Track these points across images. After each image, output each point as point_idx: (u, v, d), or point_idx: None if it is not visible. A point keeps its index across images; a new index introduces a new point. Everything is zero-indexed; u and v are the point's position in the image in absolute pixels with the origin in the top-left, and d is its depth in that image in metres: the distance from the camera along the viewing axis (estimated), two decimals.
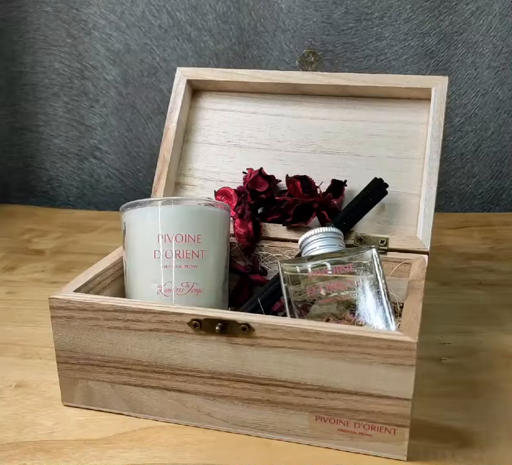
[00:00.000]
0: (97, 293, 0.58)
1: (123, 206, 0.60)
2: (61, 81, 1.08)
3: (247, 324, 0.49)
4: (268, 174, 0.68)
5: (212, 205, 0.61)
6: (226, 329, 0.50)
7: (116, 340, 0.53)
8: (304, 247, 0.58)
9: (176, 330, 0.51)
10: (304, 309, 0.55)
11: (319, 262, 0.55)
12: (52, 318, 0.54)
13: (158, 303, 0.52)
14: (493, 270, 0.83)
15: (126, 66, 1.06)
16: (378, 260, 0.55)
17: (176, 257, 0.57)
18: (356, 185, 0.67)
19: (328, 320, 0.54)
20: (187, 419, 0.54)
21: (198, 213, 0.59)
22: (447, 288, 0.78)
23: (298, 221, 0.64)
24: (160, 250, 0.57)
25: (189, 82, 0.73)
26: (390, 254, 0.63)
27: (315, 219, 0.66)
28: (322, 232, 0.58)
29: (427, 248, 0.62)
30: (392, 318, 0.53)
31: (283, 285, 0.54)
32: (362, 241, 0.64)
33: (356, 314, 0.54)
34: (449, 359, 0.63)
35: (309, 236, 0.58)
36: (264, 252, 0.65)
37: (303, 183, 0.65)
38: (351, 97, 0.70)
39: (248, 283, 0.64)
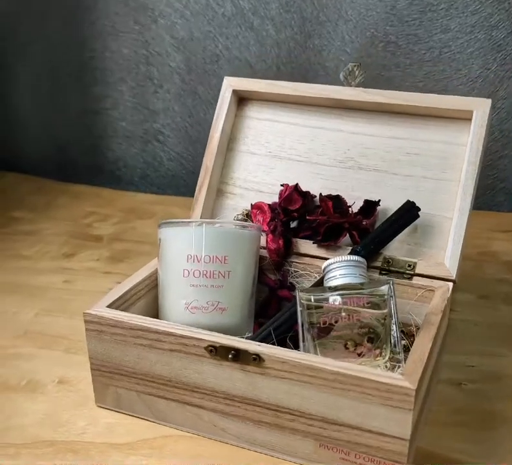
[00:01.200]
0: (132, 304, 0.62)
1: (161, 222, 0.63)
2: (128, 67, 1.10)
3: (257, 355, 0.52)
4: (305, 187, 0.69)
5: (244, 227, 0.63)
6: (239, 356, 0.52)
7: (141, 355, 0.57)
8: (326, 273, 0.59)
9: (195, 353, 0.54)
10: (322, 332, 0.56)
11: (335, 293, 0.56)
12: (86, 330, 0.58)
13: (180, 327, 0.55)
14: None
15: (189, 54, 1.06)
16: (393, 294, 0.55)
17: (203, 277, 0.59)
18: (390, 204, 0.67)
19: (346, 345, 0.56)
20: (204, 431, 0.57)
21: (226, 235, 0.61)
22: (485, 302, 0.77)
23: (328, 240, 0.65)
24: (189, 269, 0.59)
25: (234, 91, 0.73)
26: (415, 279, 0.63)
27: (345, 238, 0.66)
28: (345, 261, 0.58)
29: (453, 276, 0.62)
30: (401, 356, 0.54)
31: (299, 309, 0.56)
32: (390, 264, 0.64)
33: (373, 343, 0.55)
34: (470, 384, 0.63)
35: (332, 263, 0.58)
36: (293, 269, 0.67)
37: (335, 202, 0.66)
38: (393, 114, 0.68)
39: (276, 298, 0.66)
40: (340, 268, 0.58)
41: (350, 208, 0.66)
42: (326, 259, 0.65)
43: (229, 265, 0.60)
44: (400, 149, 0.68)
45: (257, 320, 0.65)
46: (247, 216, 0.70)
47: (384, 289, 0.55)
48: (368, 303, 0.55)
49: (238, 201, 0.73)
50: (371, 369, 0.50)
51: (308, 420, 0.52)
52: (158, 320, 0.57)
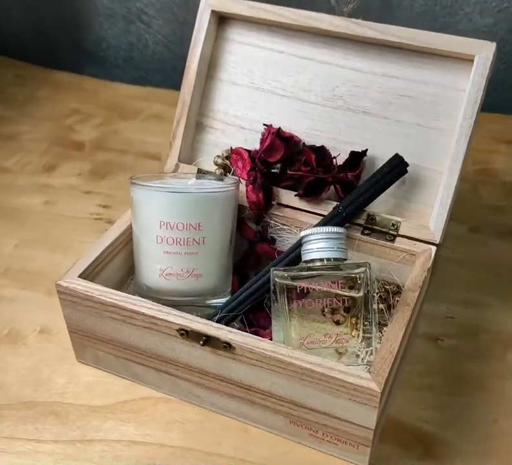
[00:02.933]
0: (107, 263, 0.59)
1: (132, 179, 0.58)
2: None
3: (228, 343, 0.50)
4: (288, 127, 0.63)
5: (220, 180, 0.59)
6: (210, 342, 0.51)
7: (116, 328, 0.56)
8: (303, 244, 0.55)
9: (167, 333, 0.53)
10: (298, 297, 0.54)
11: (312, 273, 0.53)
12: (59, 299, 0.56)
13: (150, 305, 0.53)
14: None
15: None
16: (369, 278, 0.52)
17: (176, 244, 0.56)
18: (377, 152, 0.61)
19: (323, 311, 0.54)
20: (181, 395, 0.58)
21: (199, 201, 0.56)
22: (475, 236, 0.74)
23: (310, 194, 0.60)
24: (162, 236, 0.56)
25: (214, 12, 0.63)
26: (398, 240, 0.59)
27: (330, 190, 0.61)
28: (323, 233, 0.54)
29: (437, 240, 0.58)
30: (374, 342, 0.52)
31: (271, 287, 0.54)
32: (374, 222, 0.60)
33: (349, 312, 0.53)
34: (447, 340, 0.63)
35: (309, 235, 0.54)
36: (274, 221, 0.63)
37: (318, 155, 0.59)
38: (386, 47, 0.59)
39: (255, 251, 0.63)
40: (317, 241, 0.54)
41: (334, 160, 0.61)
42: (308, 212, 0.62)
43: (204, 231, 0.56)
44: (392, 90, 0.60)
45: (236, 273, 0.63)
46: (227, 159, 0.64)
47: (361, 271, 0.53)
48: (343, 284, 0.53)
49: (219, 137, 0.66)
50: (340, 366, 0.48)
51: (277, 400, 0.52)
52: (128, 296, 0.54)
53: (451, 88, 0.58)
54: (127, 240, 0.61)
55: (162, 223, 0.56)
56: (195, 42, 0.64)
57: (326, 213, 0.60)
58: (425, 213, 0.60)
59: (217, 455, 0.53)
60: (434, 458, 0.53)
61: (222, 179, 0.62)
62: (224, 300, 0.59)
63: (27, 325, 0.65)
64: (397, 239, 0.59)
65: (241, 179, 0.63)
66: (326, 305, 0.53)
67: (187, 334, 0.52)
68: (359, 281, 0.52)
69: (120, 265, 0.61)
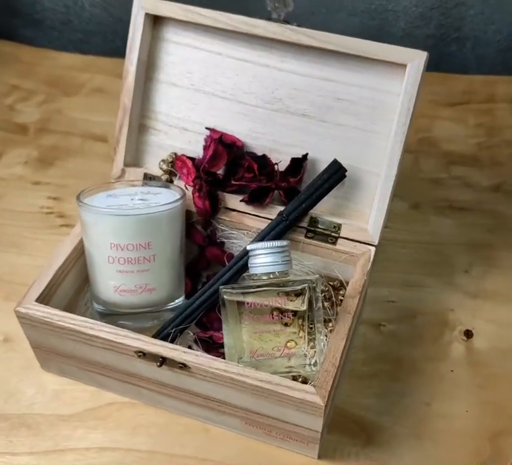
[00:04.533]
0: (61, 282, 0.59)
1: (80, 199, 0.57)
2: None
3: (183, 363, 0.53)
4: (230, 128, 0.62)
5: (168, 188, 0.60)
6: (166, 362, 0.53)
7: (77, 347, 0.57)
8: (250, 258, 0.56)
9: (125, 354, 0.55)
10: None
11: (260, 290, 0.54)
12: (19, 322, 0.57)
13: (107, 329, 0.54)
14: (470, 185, 0.78)
15: None
16: (316, 294, 0.54)
17: (128, 263, 0.57)
18: (317, 155, 0.61)
19: (272, 313, 0.56)
20: (144, 400, 0.60)
21: (148, 222, 0.56)
22: (415, 213, 0.75)
23: (254, 201, 0.60)
24: (113, 256, 0.56)
25: (148, 14, 0.59)
26: (340, 241, 0.60)
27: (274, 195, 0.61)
28: (268, 248, 0.55)
29: (375, 242, 0.60)
30: (319, 344, 0.55)
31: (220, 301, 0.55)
32: (316, 224, 0.61)
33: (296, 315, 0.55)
34: (388, 325, 0.66)
35: (254, 250, 0.55)
36: (222, 226, 0.63)
37: (260, 164, 0.59)
38: (325, 51, 0.57)
39: (205, 256, 0.63)
40: (263, 255, 0.55)
41: (276, 167, 0.60)
42: (255, 216, 0.63)
43: (153, 248, 0.57)
44: (331, 93, 0.59)
45: (188, 275, 0.63)
46: (172, 164, 0.63)
47: (304, 286, 0.54)
48: (290, 296, 0.55)
49: (163, 139, 0.65)
50: (287, 382, 0.51)
51: (233, 408, 0.55)
52: (87, 320, 0.55)
53: (387, 93, 0.58)
54: (78, 255, 0.61)
55: (112, 244, 0.56)
56: (131, 47, 0.61)
57: (271, 216, 0.61)
58: (364, 213, 0.61)
59: (181, 456, 0.57)
60: (375, 444, 0.57)
61: (167, 186, 0.62)
62: (179, 303, 0.61)
63: None
64: (339, 240, 0.61)
65: (187, 186, 0.62)
66: (274, 315, 0.55)
67: (144, 355, 0.54)
68: (303, 296, 0.54)
69: (74, 280, 0.61)
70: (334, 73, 0.58)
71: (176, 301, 0.61)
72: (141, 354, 0.53)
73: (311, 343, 0.55)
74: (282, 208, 0.61)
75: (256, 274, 0.56)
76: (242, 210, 0.63)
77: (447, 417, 0.59)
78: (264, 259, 0.56)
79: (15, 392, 0.61)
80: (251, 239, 0.61)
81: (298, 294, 0.55)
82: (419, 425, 0.58)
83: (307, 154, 0.60)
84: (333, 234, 0.61)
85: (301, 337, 0.56)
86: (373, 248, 0.60)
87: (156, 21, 0.61)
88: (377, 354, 0.64)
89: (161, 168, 0.64)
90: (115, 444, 0.58)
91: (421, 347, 0.64)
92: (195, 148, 0.64)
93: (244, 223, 0.63)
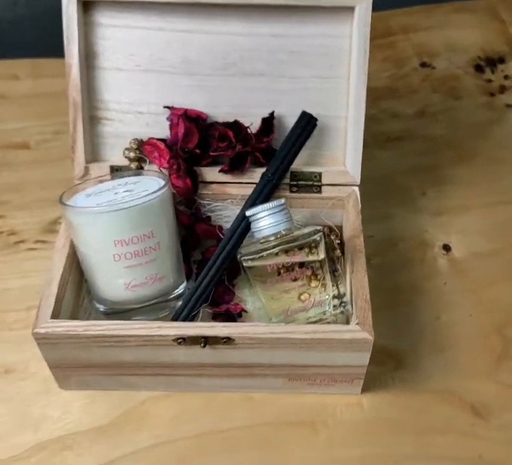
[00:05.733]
0: (64, 295, 0.56)
1: (63, 203, 0.54)
2: None
3: (227, 337, 0.52)
4: (188, 104, 0.60)
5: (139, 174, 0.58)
6: (209, 342, 0.52)
7: (105, 353, 0.54)
8: (252, 223, 0.56)
9: (163, 344, 0.53)
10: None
11: (274, 250, 0.54)
12: (37, 344, 0.53)
13: (138, 325, 0.52)
14: (398, 115, 0.81)
15: None
16: (323, 242, 0.55)
17: (135, 257, 0.54)
18: (282, 110, 0.61)
19: (279, 272, 0.56)
20: (178, 389, 0.58)
21: (148, 210, 0.54)
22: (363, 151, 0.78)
23: (235, 169, 0.59)
24: (119, 253, 0.54)
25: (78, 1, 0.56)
26: (323, 188, 0.62)
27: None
28: (269, 210, 0.55)
29: (357, 182, 0.61)
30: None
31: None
32: (298, 178, 0.61)
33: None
34: (375, 258, 0.68)
35: (256, 214, 0.55)
36: (205, 201, 0.62)
37: (234, 130, 0.58)
38: (267, 8, 0.57)
39: (194, 234, 0.62)
40: (266, 217, 0.55)
41: (248, 129, 0.60)
42: (235, 183, 0.62)
43: (156, 236, 0.55)
44: (283, 48, 0.59)
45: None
46: (139, 151, 0.60)
47: (317, 236, 0.55)
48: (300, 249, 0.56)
49: (118, 127, 0.62)
50: (331, 327, 0.52)
51: (277, 368, 0.56)
52: (113, 322, 0.53)
53: (337, 37, 0.59)
54: (71, 263, 0.57)
55: (116, 241, 0.53)
56: (69, 38, 0.57)
57: (251, 181, 0.61)
58: (337, 157, 0.63)
59: (231, 430, 0.57)
60: (405, 367, 0.60)
61: (140, 173, 0.59)
62: (182, 289, 0.59)
63: None
64: (323, 188, 0.62)
65: (161, 169, 0.60)
66: (296, 270, 0.55)
67: (184, 340, 0.52)
68: (319, 245, 0.55)
69: (72, 290, 0.58)
70: (282, 27, 0.58)
71: (181, 286, 0.59)
72: (181, 340, 0.52)
73: (336, 288, 0.57)
74: (259, 170, 0.61)
75: (263, 237, 0.56)
76: (221, 181, 0.62)
77: (457, 325, 0.63)
78: (268, 221, 0.56)
79: (41, 419, 0.57)
80: (240, 207, 0.60)
81: (312, 245, 0.56)
82: (436, 339, 0.62)
83: (273, 112, 0.60)
84: (315, 183, 0.62)
85: (325, 284, 0.56)
86: (357, 188, 0.62)
87: (86, 7, 0.58)
88: (375, 287, 0.64)
89: (127, 157, 0.61)
90: (164, 438, 0.56)
91: (411, 270, 0.67)
92: (155, 130, 0.62)
93: (227, 193, 0.62)
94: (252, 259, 0.54)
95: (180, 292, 0.59)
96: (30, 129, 0.81)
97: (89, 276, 0.57)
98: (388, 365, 0.60)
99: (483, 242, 0.70)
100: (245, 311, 0.61)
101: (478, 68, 0.86)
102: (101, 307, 0.58)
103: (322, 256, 0.55)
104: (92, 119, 0.61)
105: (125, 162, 0.62)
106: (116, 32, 0.59)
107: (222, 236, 0.61)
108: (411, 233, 0.71)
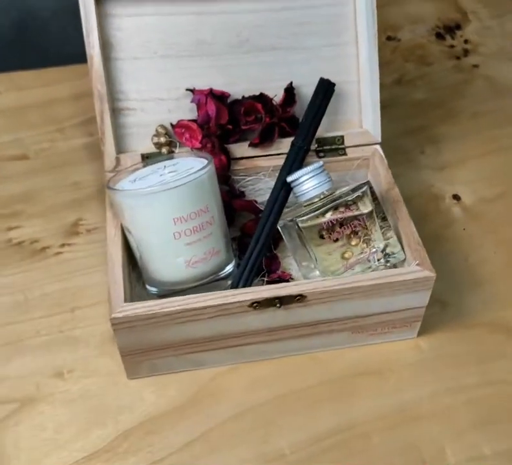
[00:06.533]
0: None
1: (111, 188, 0.54)
2: None
3: (300, 295, 0.53)
4: (207, 84, 0.61)
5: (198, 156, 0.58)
6: (282, 302, 0.54)
7: (180, 330, 0.54)
8: (296, 187, 0.58)
9: (237, 312, 0.54)
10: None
11: (327, 207, 0.56)
12: (114, 330, 0.53)
13: (212, 296, 0.53)
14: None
15: None
16: (374, 194, 0.58)
17: (194, 233, 0.55)
18: (299, 81, 0.63)
19: (321, 235, 0.58)
20: (245, 359, 0.59)
21: (202, 185, 0.55)
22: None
23: (265, 141, 0.61)
24: (179, 231, 0.54)
25: None
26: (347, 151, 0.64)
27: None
28: (311, 171, 0.57)
29: (379, 140, 0.64)
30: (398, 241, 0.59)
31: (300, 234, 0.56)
32: (321, 143, 0.64)
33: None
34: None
35: (300, 177, 0.57)
36: (237, 177, 0.63)
37: (262, 102, 0.60)
38: None
39: (231, 209, 0.63)
40: (310, 180, 0.57)
41: (273, 101, 0.61)
42: (264, 156, 0.64)
43: (210, 211, 0.56)
44: (291, 20, 0.62)
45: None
46: (167, 135, 0.61)
47: (365, 189, 0.57)
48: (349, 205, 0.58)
49: (140, 116, 0.62)
50: (394, 271, 0.55)
51: (342, 321, 0.58)
52: (186, 297, 0.53)
53: (340, 5, 0.62)
54: (123, 250, 0.57)
55: (176, 219, 0.54)
56: (88, 29, 0.58)
57: (280, 152, 0.63)
58: (354, 120, 0.65)
59: (305, 388, 0.58)
60: (451, 306, 0.63)
61: (172, 157, 0.60)
62: (232, 268, 0.60)
63: (40, 381, 0.59)
64: (347, 150, 0.65)
65: (193, 149, 0.61)
66: (350, 224, 0.57)
67: (259, 304, 0.53)
68: (365, 198, 0.57)
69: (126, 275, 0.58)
70: (287, 1, 0.60)
71: (231, 265, 0.60)
72: (256, 304, 0.53)
73: (387, 235, 0.59)
74: (285, 141, 0.63)
75: (308, 199, 0.58)
76: (250, 155, 0.63)
77: (485, 262, 0.67)
78: (311, 183, 0.57)
79: (119, 410, 0.57)
80: (273, 178, 0.62)
81: (359, 199, 0.57)
82: (470, 277, 0.66)
83: (292, 82, 0.62)
84: (340, 146, 0.64)
85: (376, 233, 0.58)
86: (379, 147, 0.65)
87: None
88: None
89: (157, 143, 0.61)
90: (243, 406, 0.57)
91: (431, 221, 0.71)
92: (177, 115, 0.63)
93: (258, 166, 0.63)
94: (308, 219, 0.56)
95: (230, 270, 0.60)
96: (24, 140, 0.80)
97: (145, 260, 0.57)
98: (435, 307, 0.63)
99: (488, 188, 0.74)
100: (292, 278, 0.62)
101: (439, 36, 0.91)
102: (154, 290, 0.58)
103: (370, 207, 0.58)
104: (114, 111, 0.61)
105: (153, 149, 0.63)
106: (129, 21, 0.59)
107: (260, 209, 0.63)
108: (420, 189, 0.74)
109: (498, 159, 0.77)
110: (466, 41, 0.91)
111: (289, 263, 0.64)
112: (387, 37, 0.92)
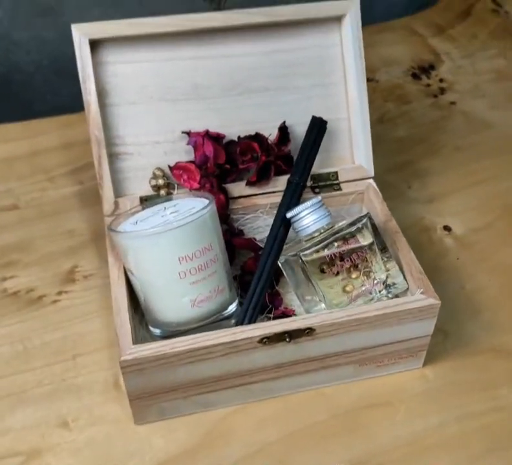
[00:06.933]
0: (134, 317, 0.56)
1: (115, 230, 0.54)
2: None
3: (309, 328, 0.54)
4: (202, 127, 0.63)
5: (199, 196, 0.59)
6: (292, 336, 0.54)
7: (189, 370, 0.54)
8: (295, 223, 0.59)
9: (246, 349, 0.54)
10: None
11: (327, 241, 0.57)
12: (122, 373, 0.52)
13: (222, 333, 0.53)
14: None
15: None
16: (374, 225, 0.59)
17: (199, 271, 0.55)
18: (291, 120, 0.65)
19: (322, 269, 0.59)
20: (253, 398, 0.59)
21: (206, 223, 0.55)
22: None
23: (262, 179, 0.63)
24: (184, 270, 0.55)
25: (90, 40, 0.58)
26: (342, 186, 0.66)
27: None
28: (310, 206, 0.58)
29: (372, 174, 0.67)
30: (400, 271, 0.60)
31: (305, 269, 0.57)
32: (317, 180, 0.65)
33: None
34: None
35: (300, 213, 0.58)
36: (235, 216, 0.64)
37: (258, 141, 0.62)
38: (264, 28, 0.62)
39: (231, 248, 0.63)
40: (310, 214, 0.59)
41: (268, 140, 0.63)
42: (261, 194, 0.65)
43: (214, 249, 0.57)
44: (283, 62, 0.64)
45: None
46: (165, 177, 0.62)
47: (365, 221, 0.59)
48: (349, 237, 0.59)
49: (138, 160, 0.63)
50: (399, 300, 0.56)
51: (350, 354, 0.58)
52: (195, 336, 0.53)
53: (329, 46, 0.65)
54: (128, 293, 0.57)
55: (181, 258, 0.54)
56: (85, 76, 0.59)
57: (276, 190, 0.65)
58: (346, 156, 0.67)
59: (314, 424, 0.58)
60: (452, 335, 0.64)
61: (171, 199, 0.61)
62: (235, 305, 0.60)
63: (45, 431, 0.57)
64: (341, 185, 0.67)
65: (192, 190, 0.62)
66: (352, 257, 0.58)
67: (268, 339, 0.54)
68: (365, 230, 0.59)
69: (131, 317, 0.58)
70: (278, 43, 0.63)
71: (234, 303, 0.60)
72: (266, 340, 0.53)
73: (388, 266, 0.60)
74: (281, 178, 0.64)
75: (308, 234, 0.59)
76: (248, 194, 0.65)
77: (481, 290, 0.69)
78: (311, 218, 0.59)
79: (128, 457, 0.56)
80: (271, 216, 0.63)
81: (360, 231, 0.58)
82: (469, 305, 0.67)
83: (284, 121, 0.64)
84: (334, 182, 0.66)
85: (377, 264, 0.59)
86: (372, 180, 0.67)
87: (93, 47, 0.60)
88: None
89: (155, 186, 0.62)
90: (255, 446, 0.56)
91: (425, 251, 0.72)
92: (173, 158, 0.64)
93: (255, 204, 0.65)
94: (311, 253, 0.57)
95: (234, 309, 0.60)
96: (14, 190, 0.80)
97: (149, 301, 0.57)
98: (437, 336, 0.64)
99: (476, 218, 0.76)
100: (295, 314, 0.63)
101: (415, 76, 0.96)
102: (158, 332, 0.58)
103: (370, 239, 0.59)
104: (111, 155, 0.62)
105: (151, 192, 0.63)
106: (125, 68, 0.61)
107: (260, 246, 0.63)
108: (411, 222, 0.76)
109: (482, 191, 0.80)
110: (441, 80, 0.95)
111: (291, 299, 0.64)
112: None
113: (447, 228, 0.75)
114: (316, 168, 0.65)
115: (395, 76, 0.96)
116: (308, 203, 0.59)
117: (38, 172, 0.83)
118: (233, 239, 0.64)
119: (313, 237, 0.59)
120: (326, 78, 0.65)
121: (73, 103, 0.88)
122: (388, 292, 0.60)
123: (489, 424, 0.58)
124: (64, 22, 0.87)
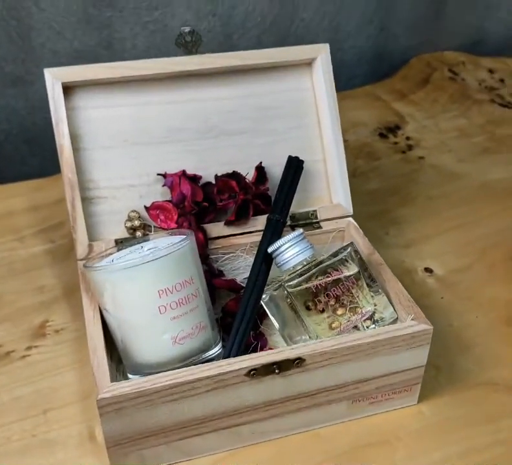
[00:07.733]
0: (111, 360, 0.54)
1: (92, 266, 0.53)
2: None
3: (299, 358, 0.52)
4: (179, 167, 0.63)
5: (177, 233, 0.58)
6: (281, 367, 0.52)
7: (172, 409, 0.51)
8: (277, 257, 0.58)
9: (233, 383, 0.51)
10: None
11: (311, 272, 0.57)
12: (100, 415, 0.49)
13: (207, 366, 0.51)
14: None
15: None
16: (358, 255, 0.59)
17: (180, 305, 0.54)
18: (268, 161, 0.66)
19: (308, 307, 0.58)
20: (242, 443, 0.56)
21: (186, 255, 0.54)
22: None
23: (241, 218, 0.63)
24: (165, 304, 0.53)
25: (63, 85, 0.59)
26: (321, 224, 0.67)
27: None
28: (292, 239, 0.58)
29: (351, 212, 0.67)
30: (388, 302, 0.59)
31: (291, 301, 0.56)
32: (296, 219, 0.66)
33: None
34: None
35: (281, 246, 0.58)
36: (214, 256, 0.63)
37: (236, 180, 0.62)
38: (239, 72, 0.65)
39: (211, 288, 0.62)
40: (291, 247, 0.58)
41: (246, 179, 0.64)
42: (240, 234, 0.65)
43: (195, 282, 0.55)
44: (258, 105, 0.66)
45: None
46: (140, 219, 0.62)
47: (350, 251, 0.58)
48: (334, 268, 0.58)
49: (113, 203, 0.63)
50: (392, 327, 0.55)
51: (342, 388, 0.55)
52: (177, 371, 0.50)
53: (302, 90, 0.67)
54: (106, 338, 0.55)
55: (161, 291, 0.53)
56: (58, 120, 0.60)
57: (254, 229, 0.65)
58: (323, 196, 0.68)
59: None
60: (443, 371, 0.63)
61: (148, 239, 0.60)
62: (219, 347, 0.58)
63: None
64: (321, 224, 0.67)
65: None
66: (338, 287, 0.57)
67: (256, 371, 0.51)
68: (350, 260, 0.58)
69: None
70: (255, 88, 0.66)
71: (219, 344, 0.58)
72: (253, 372, 0.51)
73: (375, 299, 0.59)
74: (260, 218, 0.65)
75: (290, 268, 0.58)
76: (226, 234, 0.64)
77: (469, 327, 0.68)
78: (292, 251, 0.58)
79: None
80: (251, 255, 0.63)
81: (345, 261, 0.58)
82: (459, 341, 0.66)
83: (261, 162, 0.65)
84: (314, 220, 0.66)
85: (363, 299, 0.58)
86: (351, 219, 0.67)
87: (65, 92, 0.61)
88: None
89: (131, 227, 0.61)
90: None
91: (409, 292, 0.68)
92: (148, 200, 0.64)
93: (235, 244, 0.64)
94: (296, 285, 0.55)
95: (219, 351, 0.57)
96: None
97: (127, 341, 0.54)
98: (430, 372, 0.62)
99: (456, 260, 0.77)
100: None
101: (382, 135, 0.99)
102: (136, 376, 0.55)
103: (355, 269, 0.58)
104: (84, 200, 0.62)
105: (127, 235, 0.63)
106: (98, 112, 0.62)
107: (241, 286, 0.62)
108: (392, 264, 0.74)
109: (457, 236, 0.81)
110: (408, 138, 0.99)
111: (276, 342, 0.62)
112: None
113: (428, 269, 0.75)
114: (295, 208, 0.65)
115: (363, 136, 0.99)
116: (290, 236, 0.58)
117: (7, 233, 0.82)
118: (213, 280, 0.62)
119: (297, 270, 0.58)
120: (301, 120, 0.67)
121: (41, 170, 0.91)
122: (376, 327, 0.59)
123: (492, 458, 0.56)
124: (33, 91, 0.92)
